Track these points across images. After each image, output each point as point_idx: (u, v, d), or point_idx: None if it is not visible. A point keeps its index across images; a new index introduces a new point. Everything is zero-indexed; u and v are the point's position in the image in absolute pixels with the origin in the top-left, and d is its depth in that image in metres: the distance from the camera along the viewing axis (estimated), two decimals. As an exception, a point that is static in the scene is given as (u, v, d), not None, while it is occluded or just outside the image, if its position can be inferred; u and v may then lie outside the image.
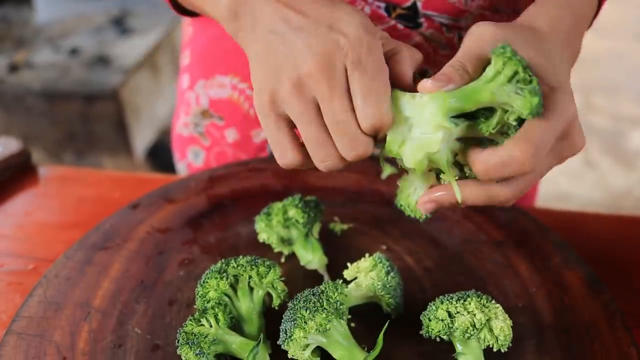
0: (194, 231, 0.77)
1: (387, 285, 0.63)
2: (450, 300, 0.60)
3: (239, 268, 0.63)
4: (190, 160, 1.05)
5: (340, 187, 0.84)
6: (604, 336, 0.63)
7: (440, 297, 0.61)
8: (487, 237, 0.75)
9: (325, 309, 0.58)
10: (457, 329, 0.58)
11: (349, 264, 0.66)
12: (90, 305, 0.68)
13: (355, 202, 0.81)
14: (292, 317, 0.58)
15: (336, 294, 0.60)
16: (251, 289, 0.64)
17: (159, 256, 0.74)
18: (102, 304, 0.68)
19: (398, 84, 0.56)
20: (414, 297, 0.68)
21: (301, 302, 0.59)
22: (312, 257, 0.71)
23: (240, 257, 0.64)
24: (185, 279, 0.71)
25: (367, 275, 0.64)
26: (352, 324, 0.64)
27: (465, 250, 0.73)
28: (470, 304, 0.59)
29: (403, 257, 0.73)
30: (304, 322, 0.57)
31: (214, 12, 0.62)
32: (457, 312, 0.59)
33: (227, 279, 0.62)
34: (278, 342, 0.59)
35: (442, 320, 0.59)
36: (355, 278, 0.66)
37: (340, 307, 0.59)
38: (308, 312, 0.58)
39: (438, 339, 0.60)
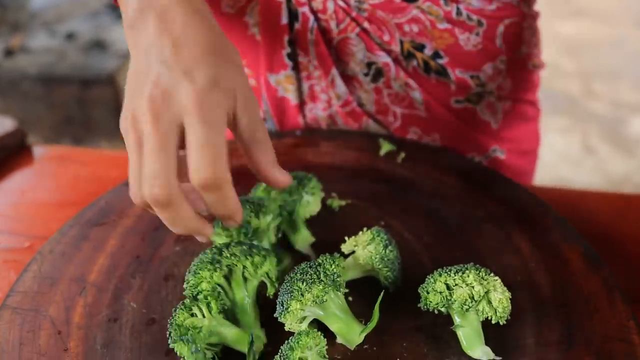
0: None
1: (385, 259, 0.62)
2: (449, 272, 0.59)
3: (232, 258, 0.60)
4: None
5: (339, 164, 0.83)
6: (603, 310, 0.62)
7: (439, 269, 0.60)
8: (487, 213, 0.74)
9: (322, 281, 0.57)
10: (455, 301, 0.57)
11: (346, 238, 0.66)
12: (85, 280, 0.67)
13: (354, 179, 0.81)
14: (288, 289, 0.58)
15: (333, 266, 0.59)
16: (245, 279, 0.62)
17: (155, 232, 0.73)
18: (98, 279, 0.67)
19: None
20: (412, 271, 0.67)
21: (298, 274, 0.59)
22: (295, 238, 0.71)
23: (233, 245, 0.62)
24: (182, 255, 0.70)
25: (365, 249, 0.63)
26: (350, 298, 0.63)
27: (464, 226, 0.73)
28: (468, 276, 0.58)
29: (401, 233, 0.72)
30: (301, 294, 0.57)
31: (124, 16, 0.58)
32: (456, 285, 0.58)
33: (220, 270, 0.60)
34: (275, 315, 0.58)
35: (440, 292, 0.58)
36: (353, 252, 0.65)
37: (338, 279, 0.58)
38: (305, 284, 0.57)
39: (436, 312, 0.60)
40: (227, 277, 0.61)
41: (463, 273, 0.59)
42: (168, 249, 0.71)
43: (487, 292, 0.58)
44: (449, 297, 0.58)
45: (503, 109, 0.93)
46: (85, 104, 2.27)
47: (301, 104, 0.92)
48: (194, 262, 0.61)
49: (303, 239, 0.70)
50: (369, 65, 0.86)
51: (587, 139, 2.85)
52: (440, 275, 0.59)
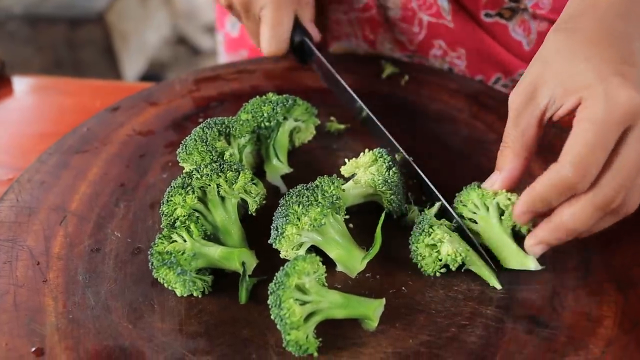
0: (178, 133, 0.71)
1: (389, 181, 0.57)
2: (423, 232, 0.53)
3: (204, 178, 0.56)
4: (227, 31, 1.04)
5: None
6: (623, 235, 0.58)
7: (414, 230, 0.55)
8: (498, 136, 0.68)
9: (320, 203, 0.53)
10: (446, 258, 0.53)
11: (346, 160, 0.60)
12: (66, 209, 0.62)
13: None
14: (283, 213, 0.53)
15: (332, 188, 0.54)
16: (222, 198, 0.57)
17: (140, 159, 0.68)
18: (79, 208, 0.62)
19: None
20: (416, 197, 0.62)
21: (294, 197, 0.54)
22: (266, 167, 0.65)
23: (203, 165, 0.57)
24: (169, 182, 0.64)
25: (367, 171, 0.58)
26: (350, 225, 0.59)
27: (474, 150, 0.68)
28: (436, 231, 0.53)
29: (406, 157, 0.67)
30: (297, 217, 0.52)
31: None
32: (438, 242, 0.53)
33: (193, 192, 0.55)
34: (269, 241, 0.54)
35: (429, 256, 0.53)
36: (354, 175, 0.60)
37: (337, 201, 0.53)
38: (301, 207, 0.52)
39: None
40: (203, 200, 0.56)
41: (431, 228, 0.53)
42: (154, 176, 0.66)
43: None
44: (439, 258, 0.53)
45: (537, 30, 0.83)
46: (74, 45, 2.18)
47: (326, 3, 0.86)
48: (165, 193, 0.56)
49: (272, 169, 0.65)
50: None
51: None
52: (418, 238, 0.54)
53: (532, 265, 0.53)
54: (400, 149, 0.62)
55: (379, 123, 0.64)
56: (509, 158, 0.53)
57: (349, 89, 0.67)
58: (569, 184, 0.47)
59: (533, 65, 0.52)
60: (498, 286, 0.53)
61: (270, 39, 0.72)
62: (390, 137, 0.63)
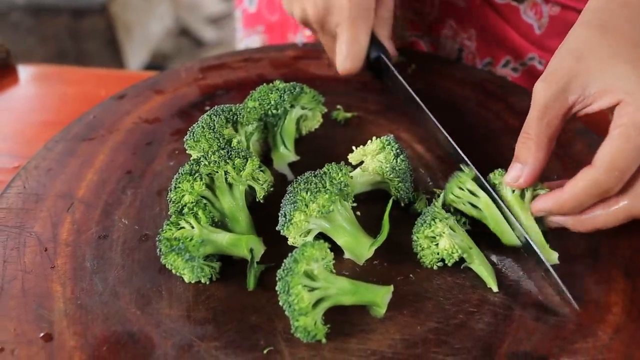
0: (184, 121, 0.71)
1: (397, 168, 0.57)
2: (424, 225, 0.53)
3: (212, 165, 0.55)
4: (245, 6, 1.04)
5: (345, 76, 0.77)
6: (631, 221, 0.57)
7: (415, 224, 0.55)
8: (504, 125, 0.69)
9: (328, 189, 0.52)
10: (443, 251, 0.53)
11: (354, 148, 0.60)
12: (73, 196, 0.62)
13: (361, 91, 0.75)
14: (292, 199, 0.53)
15: (340, 175, 0.54)
16: (230, 185, 0.57)
17: (147, 147, 0.68)
18: (86, 195, 0.62)
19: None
20: (424, 185, 0.62)
21: (302, 184, 0.54)
22: (273, 155, 0.65)
23: (210, 152, 0.57)
24: (176, 169, 0.64)
25: (375, 158, 0.58)
26: (358, 213, 0.59)
27: (480, 138, 0.67)
28: (439, 221, 0.53)
29: (413, 145, 0.67)
30: (305, 204, 0.52)
31: None
32: (438, 235, 0.53)
33: (201, 179, 0.55)
34: (277, 228, 0.54)
35: (427, 247, 0.53)
36: (362, 162, 0.60)
37: (345, 188, 0.53)
38: (309, 193, 0.52)
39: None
40: (211, 187, 0.56)
41: (433, 221, 0.53)
42: (161, 163, 0.66)
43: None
44: (436, 251, 0.53)
45: (549, 14, 0.83)
46: (78, 36, 2.18)
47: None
48: (173, 180, 0.56)
49: (279, 156, 0.65)
50: None
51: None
52: (419, 229, 0.54)
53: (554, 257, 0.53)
54: (467, 161, 0.60)
55: (453, 142, 0.61)
56: (533, 150, 0.52)
57: (424, 107, 0.65)
58: (605, 189, 0.48)
59: (563, 58, 0.51)
60: (495, 288, 0.52)
61: (346, 57, 0.68)
62: (453, 142, 0.61)
